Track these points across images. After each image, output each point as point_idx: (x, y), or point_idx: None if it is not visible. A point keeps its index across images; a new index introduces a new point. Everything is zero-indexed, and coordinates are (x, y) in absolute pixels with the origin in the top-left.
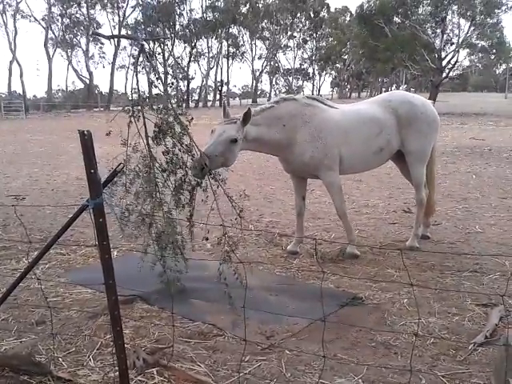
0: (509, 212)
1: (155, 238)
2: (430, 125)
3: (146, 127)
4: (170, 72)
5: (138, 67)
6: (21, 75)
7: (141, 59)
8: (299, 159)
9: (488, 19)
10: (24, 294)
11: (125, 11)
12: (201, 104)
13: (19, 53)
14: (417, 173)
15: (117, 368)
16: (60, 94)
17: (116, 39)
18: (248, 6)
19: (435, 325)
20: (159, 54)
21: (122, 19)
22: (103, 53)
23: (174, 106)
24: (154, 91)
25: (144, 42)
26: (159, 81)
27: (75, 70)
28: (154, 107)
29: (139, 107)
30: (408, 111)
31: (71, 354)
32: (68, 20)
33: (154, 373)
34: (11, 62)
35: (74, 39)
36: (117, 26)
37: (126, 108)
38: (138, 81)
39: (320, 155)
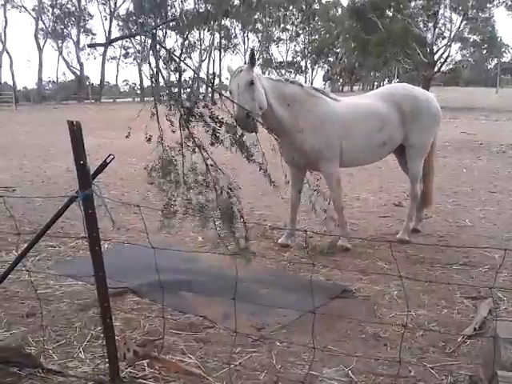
0: (498, 206)
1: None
2: (433, 119)
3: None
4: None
5: (151, 57)
6: (11, 66)
7: (132, 51)
8: (300, 148)
9: (480, 14)
10: (14, 286)
11: (116, 2)
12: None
13: (9, 43)
14: (415, 166)
15: (107, 360)
16: (50, 85)
17: (108, 29)
18: None
19: (425, 317)
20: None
21: (113, 10)
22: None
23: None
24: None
25: (148, 35)
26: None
27: (66, 61)
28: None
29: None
30: (412, 106)
31: (61, 345)
32: (59, 10)
33: (145, 364)
34: (1, 53)
35: (65, 30)
36: (108, 17)
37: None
38: (159, 71)
39: (321, 146)
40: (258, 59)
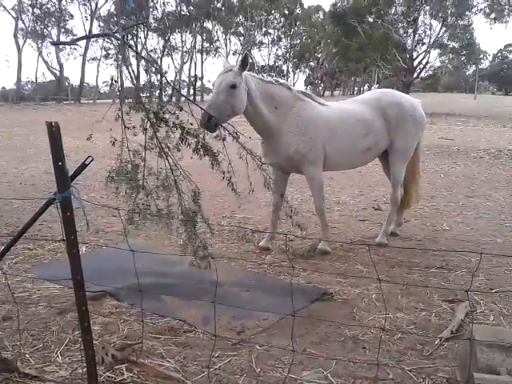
0: (475, 210)
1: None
2: (417, 126)
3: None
4: (156, 65)
5: (119, 61)
6: None
7: (113, 52)
8: (284, 150)
9: (459, 21)
10: None
11: (97, 2)
12: (174, 99)
13: None
14: (397, 171)
15: (85, 364)
16: (29, 85)
17: (88, 30)
18: (222, 0)
19: (403, 320)
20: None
21: (94, 10)
22: (75, 44)
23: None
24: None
25: (118, 36)
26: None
27: (45, 62)
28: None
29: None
30: (397, 113)
31: (38, 350)
32: (39, 10)
33: (123, 369)
34: None
35: (45, 30)
36: (89, 18)
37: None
38: (121, 73)
39: (305, 149)
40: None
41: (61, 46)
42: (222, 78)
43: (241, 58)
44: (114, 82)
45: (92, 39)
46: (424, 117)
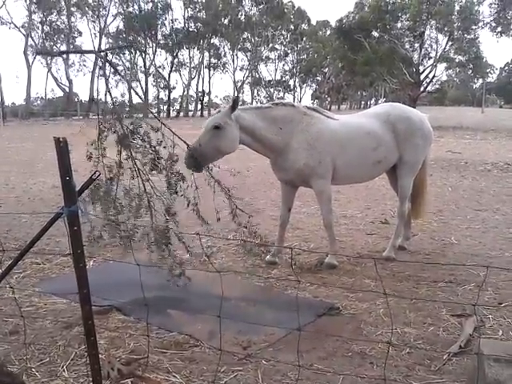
0: (483, 224)
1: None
2: (425, 139)
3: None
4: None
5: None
6: None
7: (121, 68)
8: (293, 166)
9: (465, 35)
10: None
11: (106, 20)
12: (182, 114)
13: None
14: (405, 184)
15: (91, 379)
16: (39, 101)
17: (98, 46)
18: (229, 17)
19: (410, 335)
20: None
21: (102, 27)
22: (84, 61)
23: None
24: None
25: (101, 54)
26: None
27: (55, 78)
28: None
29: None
30: (406, 127)
31: (45, 364)
32: (48, 27)
33: (129, 383)
34: None
35: (54, 47)
36: (98, 34)
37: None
38: (108, 90)
39: (313, 163)
40: (247, 78)
41: (69, 63)
42: (210, 118)
43: (232, 100)
44: (92, 99)
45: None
46: (431, 131)
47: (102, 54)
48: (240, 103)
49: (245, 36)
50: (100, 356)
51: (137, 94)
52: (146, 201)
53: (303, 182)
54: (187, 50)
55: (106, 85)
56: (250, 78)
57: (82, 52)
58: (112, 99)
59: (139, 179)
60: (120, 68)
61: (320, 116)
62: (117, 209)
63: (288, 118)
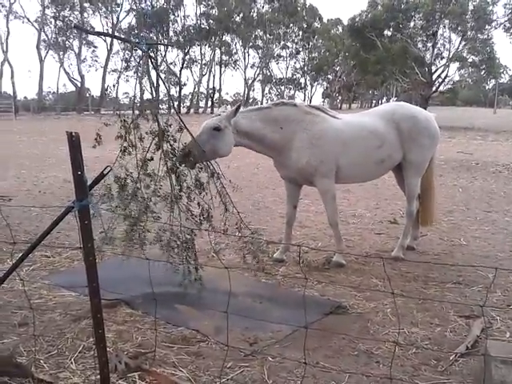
0: (493, 225)
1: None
2: (432, 139)
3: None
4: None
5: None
6: (12, 76)
7: (133, 64)
8: (295, 164)
9: (479, 35)
10: (7, 295)
11: (118, 16)
12: (192, 110)
13: (11, 54)
14: (412, 184)
15: (98, 371)
16: (51, 96)
17: (110, 42)
18: (242, 15)
19: (417, 335)
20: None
21: (115, 23)
22: (96, 56)
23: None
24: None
25: (142, 47)
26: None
27: (67, 73)
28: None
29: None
30: (411, 126)
31: (53, 356)
32: (61, 22)
33: (136, 377)
34: (2, 63)
35: (67, 42)
36: (110, 30)
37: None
38: (141, 86)
39: (316, 162)
40: (258, 75)
41: (82, 58)
42: (209, 120)
43: (234, 107)
44: (111, 88)
45: (113, 52)
46: (438, 131)
47: (144, 47)
48: (250, 100)
49: (256, 33)
50: (108, 349)
51: (155, 90)
52: (172, 199)
53: (306, 180)
54: (199, 47)
55: (149, 78)
56: (260, 76)
57: (119, 39)
58: (157, 94)
59: (173, 176)
60: (133, 64)
61: (323, 115)
62: (140, 207)
63: (290, 118)
